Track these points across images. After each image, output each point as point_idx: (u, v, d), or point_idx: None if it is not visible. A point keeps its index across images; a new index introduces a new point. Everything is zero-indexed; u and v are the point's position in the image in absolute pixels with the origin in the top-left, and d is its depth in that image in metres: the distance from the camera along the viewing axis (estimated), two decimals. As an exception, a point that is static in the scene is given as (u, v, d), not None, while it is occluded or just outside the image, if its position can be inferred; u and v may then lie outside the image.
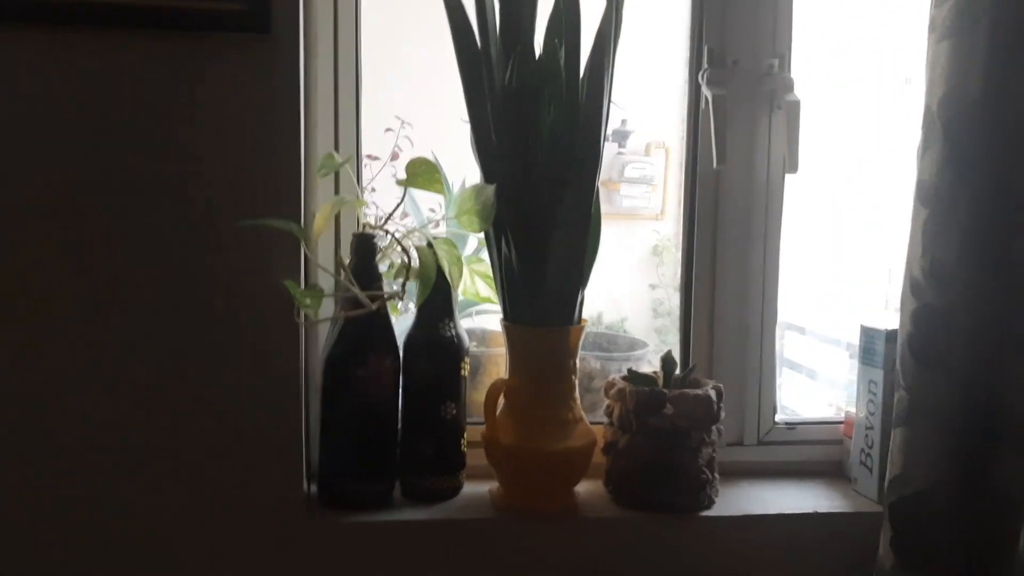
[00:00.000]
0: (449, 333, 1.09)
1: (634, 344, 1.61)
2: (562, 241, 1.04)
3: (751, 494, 1.14)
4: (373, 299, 1.00)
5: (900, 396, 0.94)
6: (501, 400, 1.07)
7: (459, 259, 1.08)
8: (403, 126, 1.97)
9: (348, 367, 1.04)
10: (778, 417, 1.25)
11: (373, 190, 1.80)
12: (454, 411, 1.08)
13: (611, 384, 1.13)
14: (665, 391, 1.07)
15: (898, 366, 0.95)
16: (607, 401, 1.13)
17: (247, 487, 1.01)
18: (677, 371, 1.14)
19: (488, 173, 1.07)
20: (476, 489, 1.11)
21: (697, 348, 1.23)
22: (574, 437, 1.05)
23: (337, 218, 1.13)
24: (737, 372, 1.22)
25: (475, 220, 1.04)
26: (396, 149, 1.94)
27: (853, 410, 1.20)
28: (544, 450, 1.04)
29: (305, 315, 0.99)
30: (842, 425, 1.23)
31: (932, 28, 0.93)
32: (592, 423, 1.09)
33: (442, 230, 1.12)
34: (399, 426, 1.09)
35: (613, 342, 1.60)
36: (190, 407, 0.99)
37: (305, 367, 1.05)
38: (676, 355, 1.17)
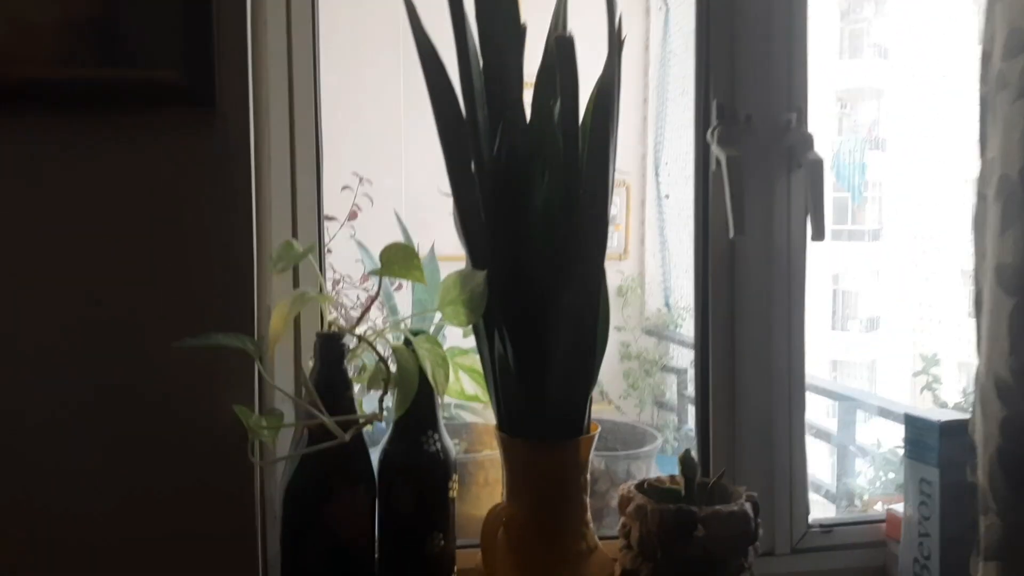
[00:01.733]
0: (433, 448, 0.91)
1: (643, 438, 1.44)
2: (567, 338, 0.87)
3: (793, 622, 0.98)
4: (345, 426, 0.82)
5: (990, 522, 0.79)
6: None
7: (444, 360, 0.90)
8: (361, 183, 1.80)
9: (313, 501, 0.86)
10: (811, 518, 1.09)
11: (330, 251, 1.66)
12: (442, 543, 0.90)
13: (627, 498, 0.96)
14: (694, 510, 0.91)
15: (985, 484, 0.80)
16: (622, 518, 0.96)
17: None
18: (698, 474, 0.98)
19: (476, 256, 0.90)
20: (470, 635, 0.93)
21: (717, 445, 1.07)
22: (590, 573, 0.88)
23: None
24: (764, 472, 1.06)
25: (462, 312, 0.88)
26: (355, 208, 1.78)
27: (896, 507, 1.05)
28: (556, 592, 0.86)
29: (261, 446, 0.81)
30: (883, 524, 1.08)
31: (1002, 84, 0.80)
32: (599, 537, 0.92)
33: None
34: (375, 566, 0.90)
35: (614, 433, 1.43)
36: (127, 552, 0.84)
37: (261, 497, 0.87)
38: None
